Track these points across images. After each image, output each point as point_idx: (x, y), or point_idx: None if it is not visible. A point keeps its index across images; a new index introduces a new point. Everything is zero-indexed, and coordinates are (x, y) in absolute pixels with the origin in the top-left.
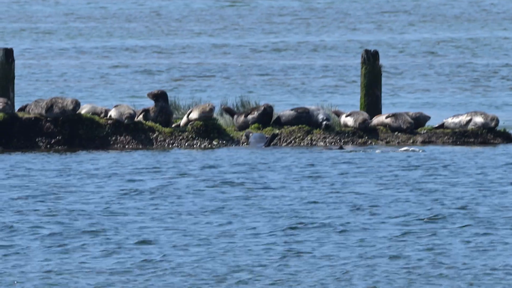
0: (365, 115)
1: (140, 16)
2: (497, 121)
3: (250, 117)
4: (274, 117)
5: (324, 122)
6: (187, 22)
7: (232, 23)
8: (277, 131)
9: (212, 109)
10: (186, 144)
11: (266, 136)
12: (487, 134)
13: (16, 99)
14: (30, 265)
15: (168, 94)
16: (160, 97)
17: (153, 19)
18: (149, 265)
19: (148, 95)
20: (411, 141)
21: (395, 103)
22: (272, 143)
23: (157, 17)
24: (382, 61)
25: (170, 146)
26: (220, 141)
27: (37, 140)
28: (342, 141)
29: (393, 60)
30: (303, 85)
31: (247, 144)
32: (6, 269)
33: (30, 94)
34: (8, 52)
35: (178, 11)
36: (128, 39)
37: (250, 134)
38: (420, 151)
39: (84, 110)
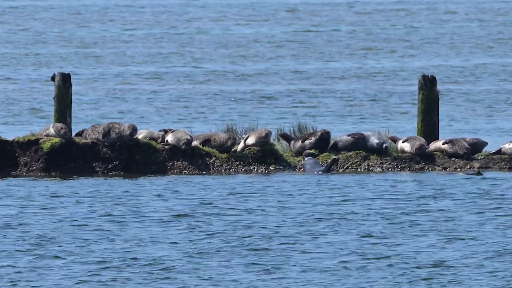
0: (422, 140)
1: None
2: None
3: (307, 142)
4: (331, 142)
5: (384, 145)
6: (262, 47)
7: (294, 48)
8: (334, 157)
9: (268, 134)
10: (243, 169)
11: (321, 162)
12: None
13: (73, 124)
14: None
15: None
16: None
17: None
18: None
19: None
20: (468, 167)
21: (453, 129)
22: (331, 169)
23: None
24: (440, 86)
25: (227, 171)
26: (277, 167)
27: (94, 165)
28: (400, 166)
29: (452, 85)
30: (360, 110)
31: (303, 169)
32: None
33: (87, 119)
34: (65, 77)
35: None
36: (204, 64)
37: (305, 158)
38: None
39: (141, 135)
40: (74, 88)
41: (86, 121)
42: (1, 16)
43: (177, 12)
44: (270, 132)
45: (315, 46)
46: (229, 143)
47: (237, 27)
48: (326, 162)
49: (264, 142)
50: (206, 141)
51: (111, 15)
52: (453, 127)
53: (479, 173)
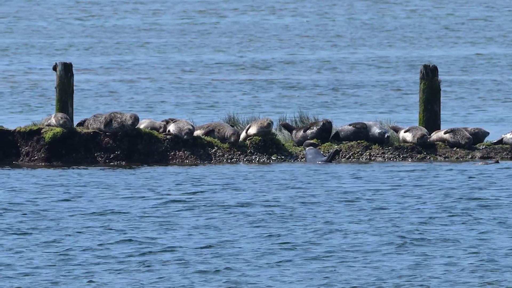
0: (423, 130)
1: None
2: None
3: (309, 132)
4: (333, 132)
5: (386, 135)
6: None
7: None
8: (336, 147)
9: (270, 124)
10: (244, 159)
11: (322, 153)
12: None
13: (75, 113)
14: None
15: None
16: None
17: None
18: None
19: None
20: (469, 156)
21: (454, 119)
22: (333, 159)
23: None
24: (442, 76)
25: (229, 161)
26: (278, 156)
27: (96, 154)
28: (401, 156)
29: (452, 75)
30: (362, 100)
31: (304, 159)
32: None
33: (89, 108)
34: (67, 67)
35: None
36: (214, 54)
37: (306, 148)
38: None
39: (143, 125)
40: (86, 77)
41: (90, 112)
42: (12, 7)
43: (188, 2)
44: (272, 122)
45: (323, 36)
46: (232, 139)
47: (244, 16)
48: (328, 152)
49: (265, 132)
50: (210, 132)
51: (124, 6)
52: (455, 117)
53: (497, 162)
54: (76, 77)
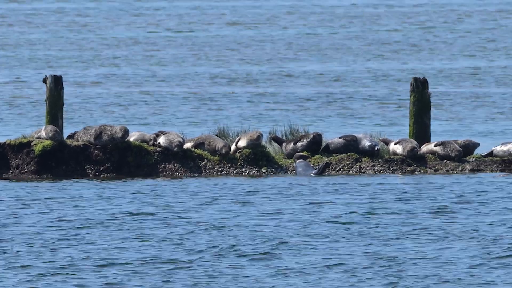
0: (413, 143)
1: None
2: None
3: (299, 144)
4: (323, 145)
5: (376, 147)
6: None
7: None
8: (326, 159)
9: (259, 137)
10: (235, 172)
11: (312, 165)
12: None
13: (65, 126)
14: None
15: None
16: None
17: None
18: None
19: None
20: (459, 169)
21: (444, 131)
22: (324, 172)
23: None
24: (432, 89)
25: (219, 174)
26: (268, 169)
27: (85, 167)
28: (391, 169)
29: (442, 87)
30: (352, 112)
31: (294, 172)
32: None
33: (78, 121)
34: (57, 79)
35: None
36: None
37: (296, 161)
38: None
39: (133, 137)
40: (81, 90)
41: (82, 123)
42: (10, 17)
43: (182, 14)
44: (262, 135)
45: (314, 48)
46: (223, 151)
47: (239, 30)
48: (318, 165)
49: (255, 144)
50: (200, 144)
51: (115, 18)
52: (445, 129)
53: None
54: (69, 89)
